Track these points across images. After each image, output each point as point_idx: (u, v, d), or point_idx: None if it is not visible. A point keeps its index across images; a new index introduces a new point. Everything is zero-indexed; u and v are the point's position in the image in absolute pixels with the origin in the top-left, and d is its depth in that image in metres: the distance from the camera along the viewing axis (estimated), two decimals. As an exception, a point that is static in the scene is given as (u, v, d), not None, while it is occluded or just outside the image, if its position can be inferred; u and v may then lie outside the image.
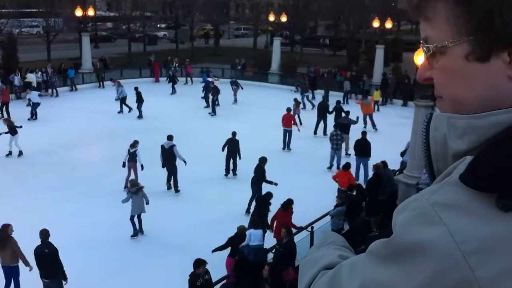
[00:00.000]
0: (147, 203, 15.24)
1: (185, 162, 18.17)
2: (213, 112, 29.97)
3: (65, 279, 11.79)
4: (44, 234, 11.76)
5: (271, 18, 52.60)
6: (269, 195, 14.83)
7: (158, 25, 63.77)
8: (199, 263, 11.00)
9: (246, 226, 13.36)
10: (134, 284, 13.03)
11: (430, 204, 0.91)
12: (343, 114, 24.18)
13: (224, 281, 12.02)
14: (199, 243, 14.33)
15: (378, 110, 30.29)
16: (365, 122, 26.24)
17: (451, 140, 0.99)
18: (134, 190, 15.16)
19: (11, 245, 11.96)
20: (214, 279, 11.54)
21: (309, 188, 18.07)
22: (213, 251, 12.48)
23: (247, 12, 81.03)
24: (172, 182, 18.46)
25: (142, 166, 18.08)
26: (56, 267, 11.64)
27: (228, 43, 65.32)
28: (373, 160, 18.09)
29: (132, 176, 17.84)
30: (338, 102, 26.55)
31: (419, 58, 14.15)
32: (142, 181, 17.79)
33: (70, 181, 19.29)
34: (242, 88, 33.33)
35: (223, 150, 19.67)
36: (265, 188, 16.17)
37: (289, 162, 21.25)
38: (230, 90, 32.92)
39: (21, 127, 22.06)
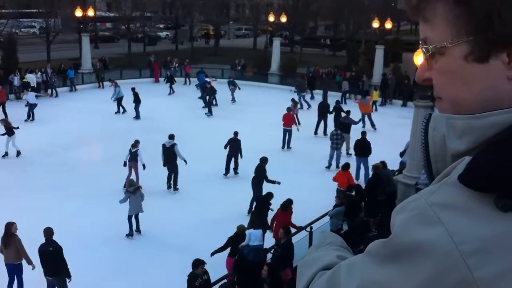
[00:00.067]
0: (142, 200, 15.27)
1: (185, 161, 18.28)
2: (209, 112, 29.89)
3: (69, 276, 11.88)
4: (48, 232, 11.84)
5: (271, 18, 52.61)
6: (270, 195, 14.85)
7: (157, 26, 63.70)
8: (198, 263, 11.00)
9: (246, 226, 13.35)
10: (133, 284, 13.03)
11: (428, 204, 0.91)
12: (343, 114, 24.23)
13: (224, 280, 12.01)
14: (198, 243, 14.33)
15: (376, 110, 30.28)
16: (363, 122, 26.25)
17: (450, 140, 0.99)
18: (132, 189, 15.16)
19: (15, 243, 12.04)
20: (213, 279, 11.54)
21: (309, 188, 18.08)
22: (212, 254, 12.45)
23: (247, 12, 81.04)
24: (172, 181, 18.52)
25: (144, 166, 18.12)
26: (60, 265, 11.72)
27: (228, 44, 65.32)
28: (373, 160, 18.09)
29: (133, 176, 17.92)
30: (337, 102, 26.60)
31: (419, 58, 14.15)
32: (142, 181, 17.92)
33: (70, 181, 19.28)
34: (239, 88, 33.35)
35: (225, 148, 19.79)
36: (266, 188, 16.17)
37: (289, 162, 21.25)
38: (228, 90, 32.95)
39: (18, 128, 21.99)
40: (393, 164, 18.09)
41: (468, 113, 0.97)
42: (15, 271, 12.23)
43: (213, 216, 16.38)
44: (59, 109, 29.93)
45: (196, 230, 15.48)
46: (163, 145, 18.48)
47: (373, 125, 26.79)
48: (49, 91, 34.05)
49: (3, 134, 21.59)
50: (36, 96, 28.09)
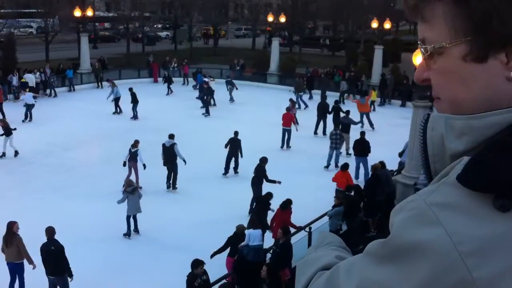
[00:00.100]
0: (140, 198, 15.29)
1: (184, 161, 18.36)
2: (207, 112, 29.80)
3: (71, 275, 11.93)
4: (50, 231, 11.89)
5: (270, 18, 52.60)
6: (269, 195, 14.86)
7: (155, 25, 63.65)
8: (197, 264, 10.99)
9: (246, 225, 13.35)
10: (133, 284, 13.04)
11: (427, 204, 0.91)
12: (342, 114, 24.26)
13: (223, 281, 12.00)
14: (198, 243, 14.35)
15: (374, 110, 30.30)
16: (362, 122, 26.28)
17: (449, 140, 0.99)
18: (130, 190, 15.17)
19: (17, 242, 12.09)
20: (213, 279, 11.54)
21: (309, 187, 18.11)
22: (212, 255, 12.45)
23: (246, 12, 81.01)
24: (171, 181, 18.57)
25: (144, 166, 18.16)
26: (62, 264, 11.77)
27: (227, 44, 65.33)
28: (371, 160, 18.12)
29: (133, 176, 17.97)
30: (336, 102, 26.65)
31: (418, 58, 14.15)
32: (141, 181, 17.97)
33: (69, 181, 19.28)
34: (236, 89, 33.37)
35: (226, 147, 19.85)
36: (266, 188, 16.18)
37: (289, 162, 21.26)
38: (225, 90, 32.94)
39: (15, 129, 21.91)
40: (392, 164, 18.10)
41: (467, 113, 0.97)
42: (16, 270, 12.28)
43: (212, 215, 16.38)
44: (57, 109, 29.92)
45: (196, 230, 15.49)
46: (163, 145, 18.54)
47: (371, 124, 26.81)
48: (48, 91, 34.04)
49: (1, 135, 21.55)
50: (34, 97, 27.98)
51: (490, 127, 0.94)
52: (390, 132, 25.68)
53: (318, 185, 18.18)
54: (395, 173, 17.65)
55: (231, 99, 33.08)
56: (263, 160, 17.13)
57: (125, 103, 28.58)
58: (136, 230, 15.42)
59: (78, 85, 36.78)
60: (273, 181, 16.60)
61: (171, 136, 18.73)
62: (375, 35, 53.13)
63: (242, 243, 12.38)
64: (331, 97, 29.41)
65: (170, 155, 18.35)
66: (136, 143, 18.52)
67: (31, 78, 32.40)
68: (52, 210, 16.23)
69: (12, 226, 12.20)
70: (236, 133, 20.12)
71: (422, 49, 1.03)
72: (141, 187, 17.93)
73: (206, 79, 32.58)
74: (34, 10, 49.28)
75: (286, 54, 49.30)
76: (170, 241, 15.03)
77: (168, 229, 15.67)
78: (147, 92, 32.35)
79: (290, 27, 59.62)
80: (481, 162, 0.90)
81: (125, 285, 12.97)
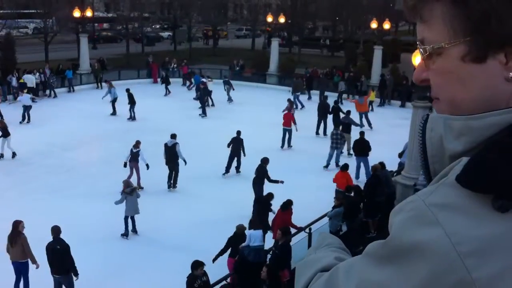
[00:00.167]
0: (138, 197, 15.33)
1: (185, 161, 18.47)
2: (203, 113, 29.68)
3: (76, 274, 12.00)
4: (56, 230, 11.96)
5: (269, 19, 52.61)
6: (270, 195, 14.86)
7: (153, 26, 63.68)
8: (197, 265, 10.99)
9: (246, 225, 13.35)
10: (132, 284, 13.06)
11: (426, 205, 0.91)
12: (341, 114, 24.29)
13: (223, 282, 11.99)
14: (198, 243, 14.37)
15: (372, 110, 30.31)
16: (361, 122, 26.32)
17: (448, 141, 0.99)
18: (128, 190, 15.18)
19: (21, 241, 12.14)
20: (214, 280, 11.54)
21: (309, 187, 18.14)
22: (214, 259, 12.47)
23: (245, 13, 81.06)
24: (172, 180, 18.67)
25: (147, 166, 18.23)
26: (67, 263, 11.84)
27: (226, 44, 65.35)
28: (371, 161, 18.15)
29: (134, 176, 18.07)
30: (336, 102, 26.71)
31: (417, 59, 14.16)
32: (142, 181, 18.12)
33: (68, 182, 19.29)
34: (233, 89, 33.38)
35: (228, 147, 19.92)
36: (267, 188, 16.19)
37: (289, 162, 21.27)
38: (223, 90, 32.98)
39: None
40: (391, 165, 18.10)
41: (466, 114, 0.97)
42: (21, 269, 12.36)
43: (212, 215, 16.40)
44: (57, 110, 29.92)
45: (196, 230, 15.51)
46: (165, 144, 18.67)
47: (369, 124, 26.88)
48: (48, 91, 34.04)
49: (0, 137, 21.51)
50: (31, 99, 27.79)
51: (489, 127, 0.93)
52: (389, 132, 25.67)
53: (319, 185, 18.20)
54: (395, 174, 17.65)
55: (229, 99, 33.10)
56: (265, 161, 17.13)
57: (123, 104, 28.53)
58: (134, 230, 15.44)
59: (78, 85, 36.75)
60: (276, 181, 16.62)
61: (173, 136, 18.82)
62: (375, 35, 53.15)
63: (243, 244, 12.38)
64: (331, 98, 29.45)
65: (172, 154, 18.47)
66: (137, 144, 18.59)
67: (30, 79, 32.37)
68: (51, 210, 16.23)
69: (17, 225, 12.28)
70: (238, 132, 20.24)
71: (421, 50, 1.03)
72: (142, 188, 18.07)
73: (204, 80, 32.57)
74: (33, 11, 49.27)
75: (285, 55, 49.31)
76: (170, 241, 15.04)
77: (168, 229, 15.68)
78: (145, 93, 32.37)
79: (290, 28, 59.64)
80: (480, 162, 0.90)
81: (124, 286, 12.99)
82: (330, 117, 25.44)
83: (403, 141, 19.12)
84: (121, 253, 14.45)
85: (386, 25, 48.78)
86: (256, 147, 20.38)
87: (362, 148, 19.69)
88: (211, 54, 55.65)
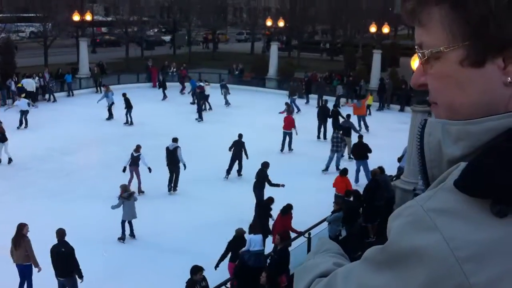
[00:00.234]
0: (135, 200, 15.37)
1: (184, 166, 18.55)
2: (200, 117, 29.55)
3: (81, 277, 12.05)
4: (61, 233, 12.02)
5: (269, 23, 52.67)
6: (271, 200, 14.85)
7: (151, 30, 63.70)
8: (196, 270, 10.97)
9: (246, 229, 13.34)
10: (132, 287, 13.02)
11: (425, 210, 0.90)
12: (341, 118, 24.35)
13: (223, 287, 11.97)
14: (198, 246, 14.40)
15: (370, 114, 30.34)
16: (359, 125, 26.36)
17: (446, 146, 0.99)
18: (126, 195, 15.19)
19: (24, 244, 12.20)
20: (214, 284, 11.52)
21: (310, 190, 18.17)
22: (217, 266, 12.49)
23: (244, 16, 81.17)
24: (173, 183, 18.73)
25: (149, 169, 18.27)
26: (71, 266, 11.88)
27: (226, 48, 65.43)
28: (370, 165, 18.16)
29: (134, 180, 18.11)
30: (335, 106, 26.79)
31: (416, 63, 14.18)
32: (142, 185, 18.21)
33: (68, 185, 19.29)
34: (229, 93, 33.39)
35: (230, 150, 19.97)
36: (268, 192, 16.19)
37: (289, 165, 21.29)
38: (220, 94, 33.03)
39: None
40: (391, 170, 18.10)
41: (464, 118, 0.97)
42: (25, 272, 12.40)
43: (212, 218, 16.39)
44: (56, 114, 29.89)
45: (196, 233, 15.52)
46: (167, 148, 18.76)
47: (366, 127, 26.99)
48: (47, 96, 34.03)
49: None
50: (28, 104, 27.51)
51: (487, 132, 0.93)
52: (389, 137, 25.66)
53: (319, 188, 18.21)
54: (394, 178, 17.64)
55: (227, 103, 33.12)
56: (265, 165, 17.15)
57: (121, 108, 28.42)
58: (132, 235, 15.45)
59: (77, 90, 36.69)
60: (277, 185, 16.64)
61: (175, 140, 18.93)
62: (374, 39, 53.15)
63: (243, 249, 12.38)
64: (330, 102, 29.45)
65: (173, 158, 18.60)
66: (138, 148, 18.66)
67: (31, 83, 32.22)
68: (51, 213, 16.22)
69: (22, 228, 12.35)
70: (240, 135, 20.27)
71: (419, 54, 1.03)
72: (143, 192, 18.12)
73: (201, 84, 32.57)
74: (32, 15, 49.31)
75: (284, 59, 49.36)
76: (170, 244, 15.05)
77: (168, 232, 15.69)
78: (144, 97, 32.38)
79: (289, 32, 59.72)
80: (478, 167, 0.90)
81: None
82: (330, 121, 25.49)
83: (402, 145, 19.12)
84: (121, 256, 14.44)
85: (385, 29, 48.75)
86: (255, 150, 20.43)
87: (361, 152, 19.72)
88: (210, 58, 55.70)
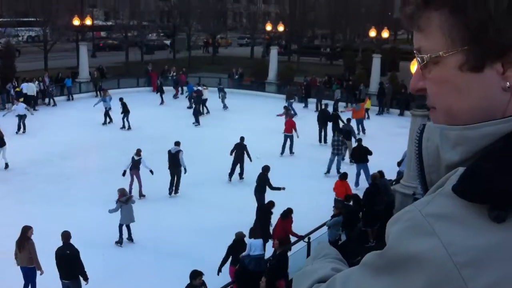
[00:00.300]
0: (133, 203, 15.38)
1: (185, 170, 18.64)
2: (197, 122, 29.45)
3: (86, 279, 12.09)
4: (66, 236, 12.06)
5: (268, 27, 52.75)
6: (271, 204, 14.84)
7: (150, 34, 63.69)
8: (196, 274, 10.94)
9: (246, 233, 13.33)
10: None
11: (423, 215, 0.90)
12: (340, 122, 24.41)
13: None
14: (198, 250, 14.40)
15: (368, 117, 30.36)
16: (358, 129, 26.40)
17: (444, 151, 0.98)
18: (124, 199, 15.18)
19: (28, 247, 12.24)
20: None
21: (310, 193, 18.24)
22: (219, 271, 12.48)
23: (244, 21, 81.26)
24: (174, 186, 18.80)
25: (151, 171, 18.41)
26: (76, 268, 11.92)
27: (225, 52, 65.50)
28: (370, 169, 18.15)
29: (135, 183, 18.20)
30: (335, 109, 26.86)
31: (415, 67, 14.19)
32: (143, 188, 18.30)
33: (66, 190, 19.27)
34: (225, 97, 33.45)
35: (231, 154, 19.97)
36: (269, 196, 16.19)
37: (290, 168, 21.32)
38: (217, 98, 33.04)
39: None
40: (390, 174, 18.10)
41: (462, 123, 0.97)
42: (29, 274, 12.43)
43: (212, 222, 16.38)
44: (56, 118, 29.90)
45: (196, 236, 15.50)
46: (169, 151, 18.89)
47: (363, 129, 27.07)
48: (47, 100, 34.03)
49: None
50: (26, 108, 27.30)
51: (485, 137, 0.93)
52: (388, 141, 25.67)
53: (320, 191, 18.26)
54: (393, 183, 17.64)
55: (224, 107, 33.15)
56: (266, 169, 17.16)
57: (118, 113, 28.37)
58: (130, 239, 15.44)
59: (77, 94, 36.68)
60: (278, 188, 16.65)
61: (177, 143, 19.04)
62: (373, 44, 53.27)
63: (243, 253, 12.37)
64: (331, 106, 29.56)
65: (174, 161, 18.69)
66: (138, 152, 18.73)
67: (31, 87, 32.24)
68: (50, 218, 16.18)
69: (26, 231, 12.41)
70: (242, 138, 20.31)
71: (418, 58, 1.03)
72: (144, 196, 18.17)
73: (200, 88, 32.58)
74: (32, 19, 49.36)
75: (284, 63, 49.43)
76: (170, 248, 15.04)
77: (168, 235, 15.69)
78: (143, 101, 32.41)
79: (288, 36, 59.78)
80: (476, 172, 0.90)
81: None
82: (330, 125, 25.53)
83: (402, 149, 19.12)
84: (120, 259, 14.43)
85: (385, 34, 48.88)
86: (255, 154, 20.40)
87: (360, 155, 19.75)
88: (210, 63, 55.74)
